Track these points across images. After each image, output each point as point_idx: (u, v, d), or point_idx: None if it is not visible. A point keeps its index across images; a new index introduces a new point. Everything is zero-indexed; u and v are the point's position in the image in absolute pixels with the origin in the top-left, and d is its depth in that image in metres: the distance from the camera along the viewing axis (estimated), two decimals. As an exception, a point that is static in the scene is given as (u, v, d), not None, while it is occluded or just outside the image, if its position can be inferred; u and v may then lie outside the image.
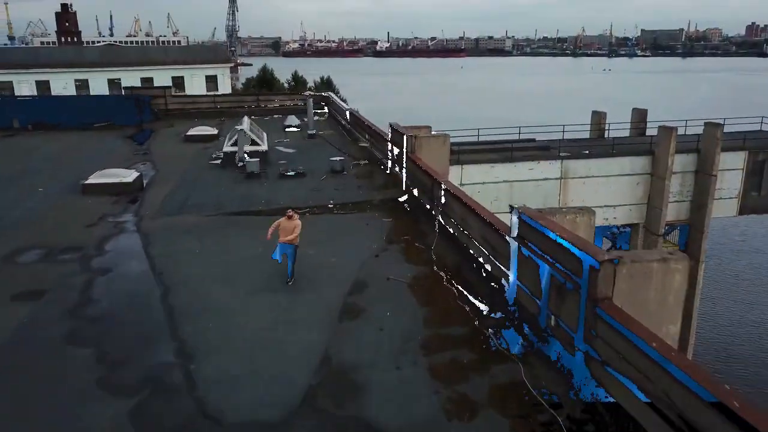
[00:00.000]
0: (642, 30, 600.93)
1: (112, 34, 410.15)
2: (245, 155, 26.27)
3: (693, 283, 30.31)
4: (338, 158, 26.37)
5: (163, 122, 39.80)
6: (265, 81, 75.99)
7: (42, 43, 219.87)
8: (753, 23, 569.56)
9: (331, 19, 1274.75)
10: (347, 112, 35.33)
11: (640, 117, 37.91)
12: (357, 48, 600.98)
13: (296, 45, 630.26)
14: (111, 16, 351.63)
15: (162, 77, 66.87)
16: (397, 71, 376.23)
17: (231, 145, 27.12)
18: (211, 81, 69.59)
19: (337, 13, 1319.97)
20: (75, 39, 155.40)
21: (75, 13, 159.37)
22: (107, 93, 72.62)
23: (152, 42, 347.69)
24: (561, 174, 30.89)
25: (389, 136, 23.20)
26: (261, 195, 22.48)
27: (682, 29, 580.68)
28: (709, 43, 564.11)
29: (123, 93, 42.87)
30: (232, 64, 73.37)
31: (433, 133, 23.09)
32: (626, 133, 37.58)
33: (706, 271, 34.45)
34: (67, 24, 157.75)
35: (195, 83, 68.42)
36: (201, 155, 29.85)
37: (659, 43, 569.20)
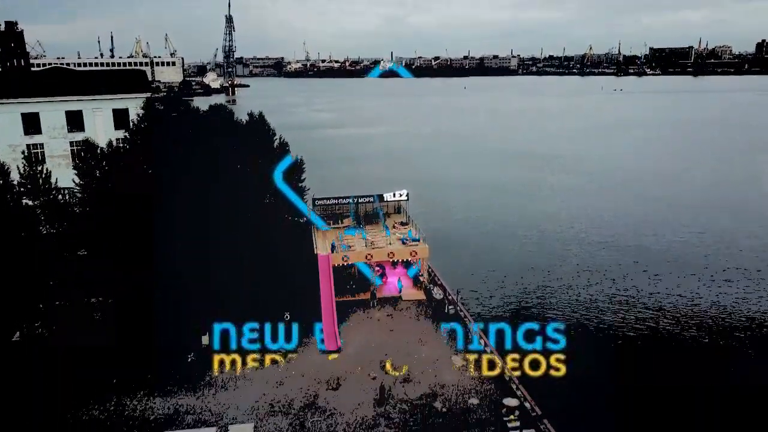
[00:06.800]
0: (650, 48, 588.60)
1: (112, 56, 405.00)
2: None
3: None
4: None
5: None
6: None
7: (37, 65, 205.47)
8: (763, 41, 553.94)
9: (337, 40, 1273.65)
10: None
11: None
12: (360, 68, 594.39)
13: (299, 65, 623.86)
14: (112, 37, 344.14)
15: (52, 113, 49.87)
16: (398, 92, 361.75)
17: None
18: (121, 117, 51.37)
19: (342, 34, 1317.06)
20: (22, 62, 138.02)
21: (22, 32, 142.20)
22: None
23: (146, 63, 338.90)
24: None
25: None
26: None
27: (692, 47, 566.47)
28: (720, 61, 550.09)
29: None
30: (149, 94, 52.18)
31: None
32: None
33: None
34: (12, 45, 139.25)
35: (98, 122, 51.05)
36: None
37: (669, 61, 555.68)
